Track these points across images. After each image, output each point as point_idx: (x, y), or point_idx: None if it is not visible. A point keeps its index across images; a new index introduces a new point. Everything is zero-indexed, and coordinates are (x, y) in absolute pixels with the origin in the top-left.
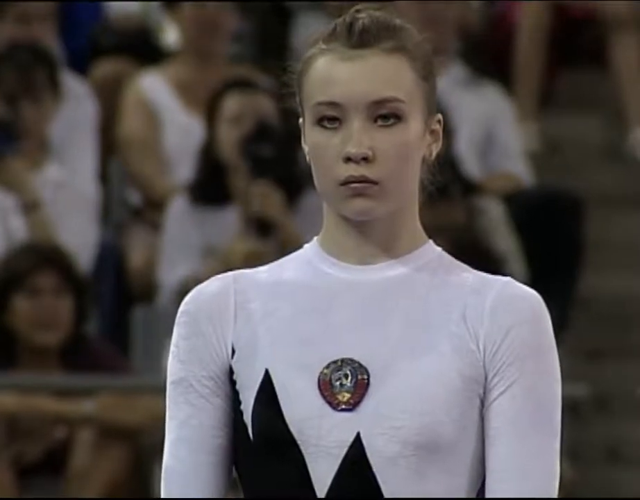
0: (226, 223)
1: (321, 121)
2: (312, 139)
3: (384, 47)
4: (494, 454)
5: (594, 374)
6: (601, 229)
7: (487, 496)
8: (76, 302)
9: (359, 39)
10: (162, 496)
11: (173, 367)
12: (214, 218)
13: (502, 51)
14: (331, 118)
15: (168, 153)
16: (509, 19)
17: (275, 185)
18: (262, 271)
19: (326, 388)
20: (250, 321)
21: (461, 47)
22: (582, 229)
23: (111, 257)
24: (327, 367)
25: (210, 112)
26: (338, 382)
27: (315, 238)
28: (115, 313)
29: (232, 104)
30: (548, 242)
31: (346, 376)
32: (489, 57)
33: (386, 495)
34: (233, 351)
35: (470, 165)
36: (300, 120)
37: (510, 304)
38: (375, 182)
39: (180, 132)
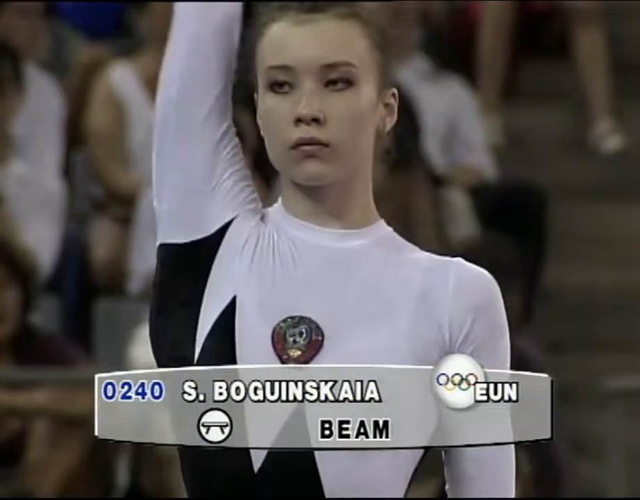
0: None
1: (272, 86)
2: (264, 105)
3: (337, 12)
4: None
5: (557, 366)
6: (564, 221)
7: (456, 483)
8: (24, 294)
9: (312, 4)
10: None
11: None
12: None
13: (465, 43)
14: (283, 83)
15: (133, 149)
16: (472, 12)
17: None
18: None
19: (279, 341)
20: (250, 223)
21: (424, 39)
22: (546, 221)
23: (74, 250)
24: (285, 321)
25: None
26: (292, 339)
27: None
28: (79, 307)
29: None
30: (511, 235)
31: (301, 334)
32: (451, 49)
33: (321, 472)
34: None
35: (434, 158)
36: (256, 95)
37: (472, 286)
38: (326, 145)
39: (147, 128)
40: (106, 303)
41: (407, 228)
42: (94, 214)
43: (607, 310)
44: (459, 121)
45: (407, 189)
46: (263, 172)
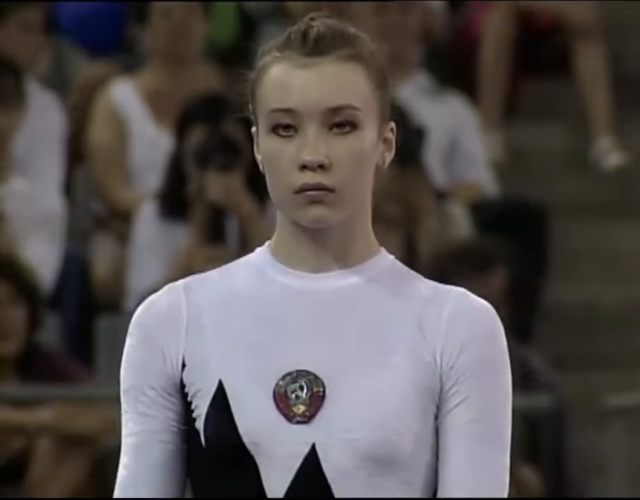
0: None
1: (275, 128)
2: (267, 147)
3: (339, 55)
4: (447, 467)
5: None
6: (565, 238)
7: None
8: (30, 312)
9: (314, 46)
10: None
11: (125, 375)
12: (182, 227)
13: (466, 60)
14: (286, 126)
15: (134, 165)
16: (473, 28)
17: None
18: (214, 280)
19: (282, 400)
20: (202, 334)
21: (425, 56)
22: (547, 238)
23: (75, 267)
24: (283, 378)
25: (180, 130)
26: (294, 395)
27: (267, 243)
28: (80, 323)
29: (199, 133)
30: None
31: (302, 388)
32: (453, 66)
33: None
34: (184, 365)
35: (435, 173)
36: (253, 129)
37: (467, 317)
38: (331, 190)
39: (148, 144)
40: (107, 319)
41: (410, 227)
42: (94, 231)
43: (608, 327)
44: (460, 137)
45: (411, 188)
46: (256, 189)
